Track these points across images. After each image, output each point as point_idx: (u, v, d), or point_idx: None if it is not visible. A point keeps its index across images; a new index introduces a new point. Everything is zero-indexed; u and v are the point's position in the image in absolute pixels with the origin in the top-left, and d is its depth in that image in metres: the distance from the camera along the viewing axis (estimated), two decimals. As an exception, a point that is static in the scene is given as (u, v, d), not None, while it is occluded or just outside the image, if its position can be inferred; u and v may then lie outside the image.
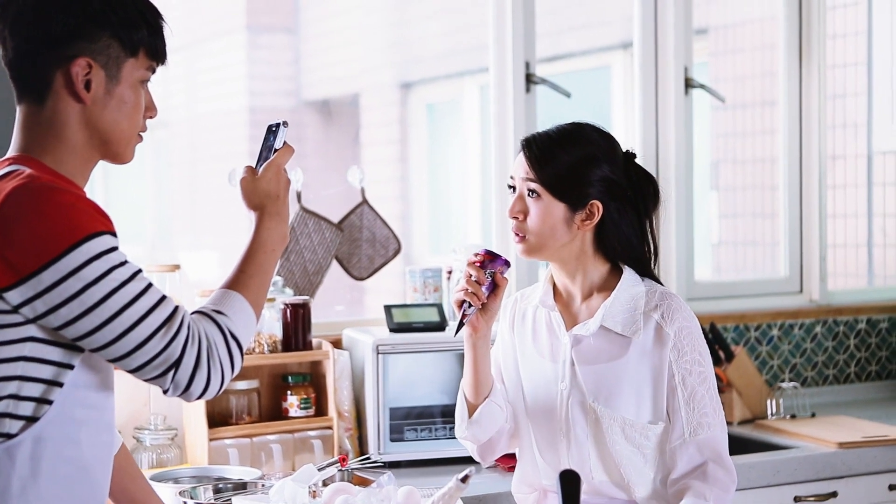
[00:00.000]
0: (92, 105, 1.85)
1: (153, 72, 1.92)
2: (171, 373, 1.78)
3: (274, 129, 2.01)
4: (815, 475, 3.21)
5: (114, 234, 1.77)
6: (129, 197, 4.86)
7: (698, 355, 2.32)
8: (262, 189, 1.97)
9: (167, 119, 4.99)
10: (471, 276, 2.35)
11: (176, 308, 1.80)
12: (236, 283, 1.89)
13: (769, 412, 3.65)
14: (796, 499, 3.19)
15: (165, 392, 1.81)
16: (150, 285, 1.78)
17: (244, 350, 1.86)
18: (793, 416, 3.64)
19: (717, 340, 3.66)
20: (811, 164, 4.07)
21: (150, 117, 1.94)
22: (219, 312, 1.84)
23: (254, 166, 2.00)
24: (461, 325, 2.37)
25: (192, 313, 1.83)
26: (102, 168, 5.02)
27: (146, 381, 1.80)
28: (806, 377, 4.01)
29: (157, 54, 1.91)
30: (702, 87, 3.88)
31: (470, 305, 2.35)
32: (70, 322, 1.73)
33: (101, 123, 1.87)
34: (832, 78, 4.24)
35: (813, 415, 3.66)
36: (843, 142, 4.41)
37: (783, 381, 3.91)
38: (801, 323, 4.02)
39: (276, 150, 2.00)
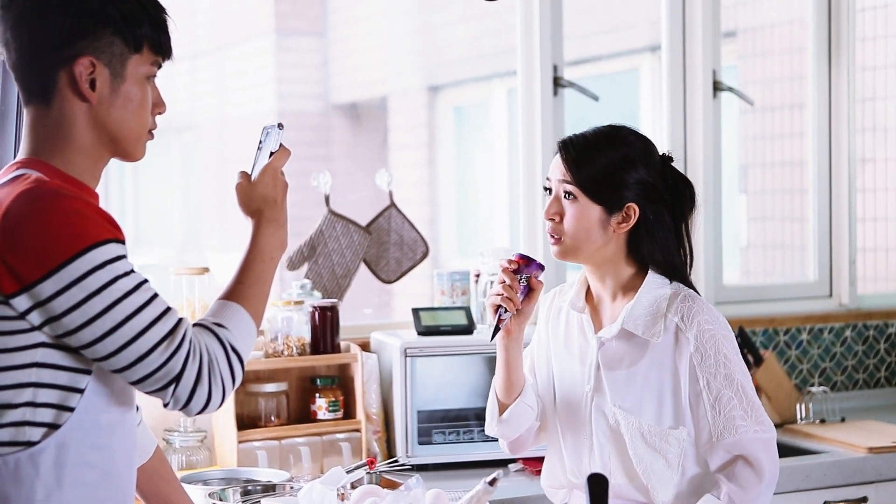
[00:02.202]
0: (98, 104, 1.83)
1: (159, 67, 1.89)
2: (172, 387, 1.75)
3: (270, 131, 1.97)
4: (845, 480, 3.19)
5: (121, 242, 1.74)
6: (158, 200, 4.89)
7: (723, 357, 2.29)
8: (259, 194, 1.93)
9: (195, 122, 5.01)
10: (505, 281, 2.34)
11: (179, 321, 1.77)
12: (235, 293, 1.85)
13: (798, 416, 3.63)
14: (826, 504, 3.17)
15: (166, 406, 1.78)
16: (154, 296, 1.76)
17: (245, 363, 1.83)
18: (822, 421, 3.62)
19: (746, 344, 3.65)
20: (840, 168, 4.05)
21: (159, 113, 1.91)
22: (219, 325, 1.81)
23: (249, 171, 1.96)
24: (497, 329, 2.37)
25: (193, 325, 1.80)
26: (132, 171, 5.06)
27: (146, 393, 1.77)
28: (835, 381, 3.99)
29: (162, 49, 1.88)
30: (730, 90, 3.86)
31: (506, 311, 2.35)
32: (72, 332, 1.71)
33: (109, 122, 1.84)
34: (861, 81, 4.22)
35: (843, 419, 3.64)
36: (873, 145, 4.38)
37: (812, 385, 3.89)
38: (830, 327, 4.00)
39: (272, 154, 1.95)
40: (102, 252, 1.71)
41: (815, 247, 4.07)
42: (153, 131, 1.91)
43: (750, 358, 3.62)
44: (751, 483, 2.26)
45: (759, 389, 3.58)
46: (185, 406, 1.78)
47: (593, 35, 4.73)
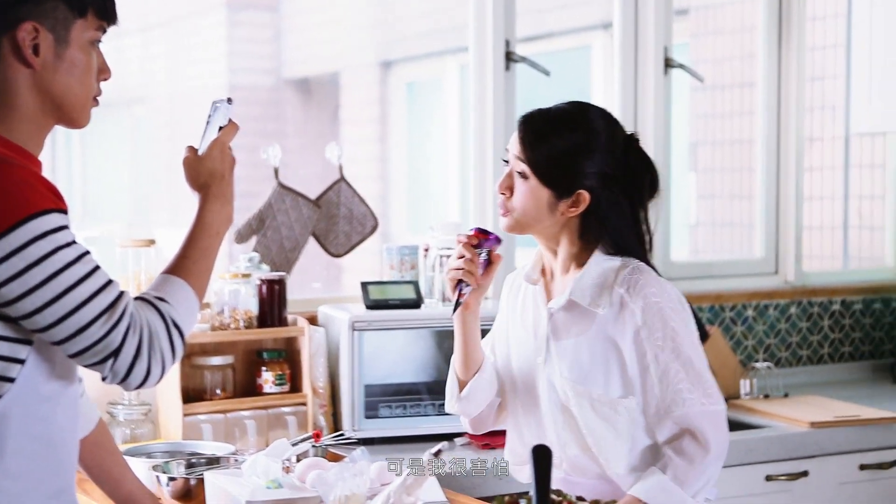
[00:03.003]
0: (42, 70, 1.80)
1: (104, 32, 1.86)
2: (111, 361, 1.73)
3: (219, 105, 1.95)
4: (787, 454, 3.23)
5: (63, 212, 1.72)
6: (107, 174, 4.84)
7: (671, 331, 2.26)
8: (206, 168, 1.91)
9: (146, 95, 4.97)
10: (465, 255, 2.34)
11: (120, 294, 1.75)
12: (179, 268, 1.84)
13: (743, 392, 3.66)
14: (768, 477, 3.20)
15: (104, 379, 1.76)
16: (96, 268, 1.74)
17: (186, 338, 1.81)
18: (766, 396, 3.66)
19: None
20: (788, 146, 4.08)
21: (105, 79, 1.88)
22: (161, 300, 1.79)
23: (198, 145, 1.94)
24: (458, 304, 2.36)
25: (135, 299, 1.78)
26: (80, 144, 5.00)
27: (85, 366, 1.76)
28: (780, 357, 4.03)
29: (107, 14, 1.85)
30: (681, 67, 3.88)
31: (467, 285, 2.35)
32: (11, 302, 1.69)
33: (53, 88, 1.82)
34: (811, 60, 4.25)
35: (786, 395, 3.68)
36: (821, 124, 4.42)
37: (757, 361, 3.92)
38: (776, 304, 4.04)
39: (221, 128, 1.94)
40: (44, 222, 1.69)
41: (762, 224, 4.10)
42: (98, 98, 1.89)
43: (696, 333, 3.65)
44: (697, 456, 2.25)
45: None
46: (123, 380, 1.76)
47: (546, 11, 4.73)
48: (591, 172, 2.28)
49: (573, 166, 2.28)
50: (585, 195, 2.29)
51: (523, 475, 2.50)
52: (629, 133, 2.37)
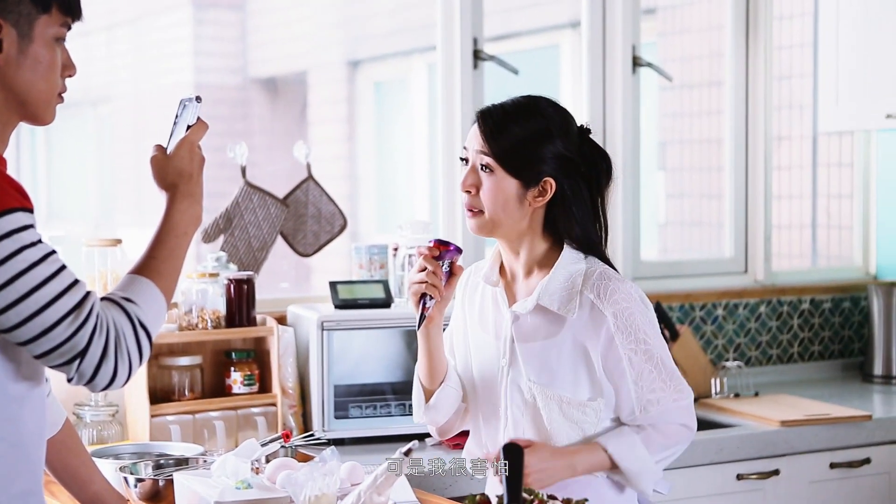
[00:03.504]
0: (5, 66, 1.78)
1: (68, 28, 1.84)
2: (77, 362, 1.71)
3: (187, 104, 1.93)
4: (758, 453, 3.23)
5: (29, 211, 1.70)
6: (72, 174, 4.79)
7: (643, 334, 2.29)
8: (174, 167, 1.89)
9: (111, 94, 4.92)
10: (427, 268, 2.32)
11: (87, 295, 1.73)
12: (146, 268, 1.81)
13: (713, 391, 3.67)
14: (739, 476, 3.21)
15: (70, 381, 1.74)
16: (62, 268, 1.71)
17: (153, 340, 1.79)
18: (736, 395, 3.67)
19: (663, 319, 3.67)
20: (756, 145, 4.09)
21: (69, 76, 1.86)
22: (128, 300, 1.77)
23: (165, 144, 1.92)
24: (423, 318, 2.34)
25: (101, 300, 1.75)
26: (45, 144, 4.93)
27: (51, 367, 1.73)
28: (750, 356, 4.04)
29: (71, 10, 1.83)
30: (649, 65, 3.88)
31: (430, 298, 2.33)
32: None
33: (17, 84, 1.79)
34: (778, 59, 4.26)
35: (756, 394, 3.69)
36: (789, 123, 4.44)
37: (727, 360, 3.93)
38: (745, 303, 4.05)
39: (189, 127, 1.91)
40: (8, 221, 1.67)
41: (731, 223, 4.12)
42: (63, 94, 1.87)
43: (666, 333, 3.65)
44: (673, 435, 2.31)
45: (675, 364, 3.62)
46: (89, 381, 1.73)
47: (514, 10, 4.72)
48: (552, 158, 2.30)
49: (536, 152, 2.29)
50: (551, 182, 2.30)
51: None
52: (581, 124, 2.39)
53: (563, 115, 2.36)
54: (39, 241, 1.70)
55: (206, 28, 5.23)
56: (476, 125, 2.34)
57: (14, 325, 1.68)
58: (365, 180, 5.06)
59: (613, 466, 2.30)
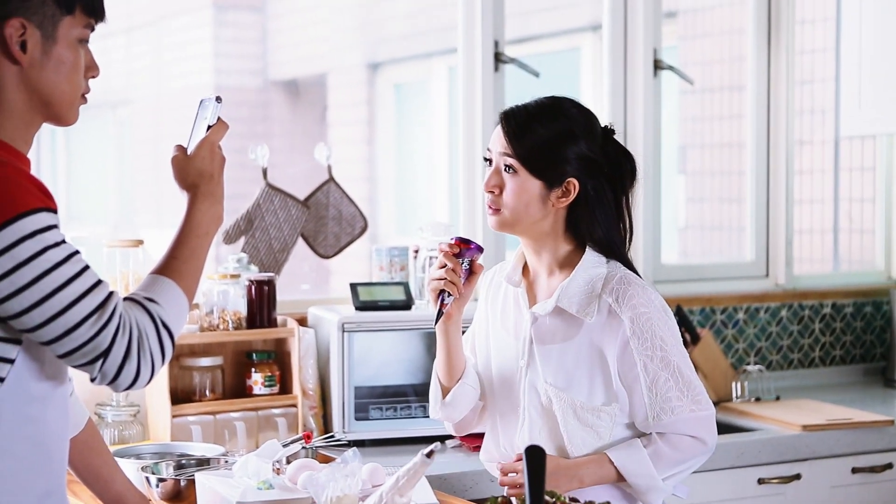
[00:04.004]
0: (29, 67, 1.78)
1: (92, 29, 1.85)
2: (100, 362, 1.70)
3: (207, 103, 1.93)
4: (779, 457, 3.22)
5: (53, 212, 1.70)
6: (92, 176, 4.81)
7: (659, 340, 2.27)
8: (195, 168, 1.89)
9: (131, 97, 4.94)
10: (447, 265, 2.32)
11: (110, 295, 1.72)
12: (168, 268, 1.81)
13: (734, 395, 3.65)
14: (760, 480, 3.19)
15: (93, 380, 1.74)
16: (85, 268, 1.71)
17: (175, 339, 1.79)
18: (757, 399, 3.65)
19: (684, 323, 3.66)
20: (778, 150, 4.07)
21: (93, 77, 1.86)
22: (151, 300, 1.77)
23: (186, 144, 1.92)
24: (440, 314, 2.34)
25: (124, 300, 1.75)
26: (65, 146, 4.95)
27: (74, 367, 1.74)
28: (771, 361, 4.03)
29: (95, 11, 1.84)
30: (671, 69, 3.87)
31: (449, 295, 2.33)
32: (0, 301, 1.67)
33: (41, 85, 1.80)
34: (800, 63, 4.24)
35: (777, 398, 3.67)
36: (811, 127, 4.42)
37: (748, 364, 3.91)
38: (766, 307, 4.03)
39: (209, 127, 1.91)
40: (33, 221, 1.67)
41: (752, 228, 4.10)
42: (87, 95, 1.87)
43: (687, 336, 3.64)
44: (687, 449, 2.28)
45: (695, 368, 3.60)
46: (112, 381, 1.73)
47: (535, 13, 4.72)
48: (576, 158, 2.30)
49: (560, 153, 2.29)
50: (575, 182, 2.30)
51: (496, 473, 2.49)
52: (605, 125, 2.39)
53: (587, 116, 2.35)
54: (63, 242, 1.71)
55: (226, 30, 5.25)
56: (499, 126, 2.33)
57: (37, 325, 1.68)
58: (384, 182, 5.06)
59: (621, 479, 2.29)
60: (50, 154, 4.70)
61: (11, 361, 1.72)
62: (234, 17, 5.28)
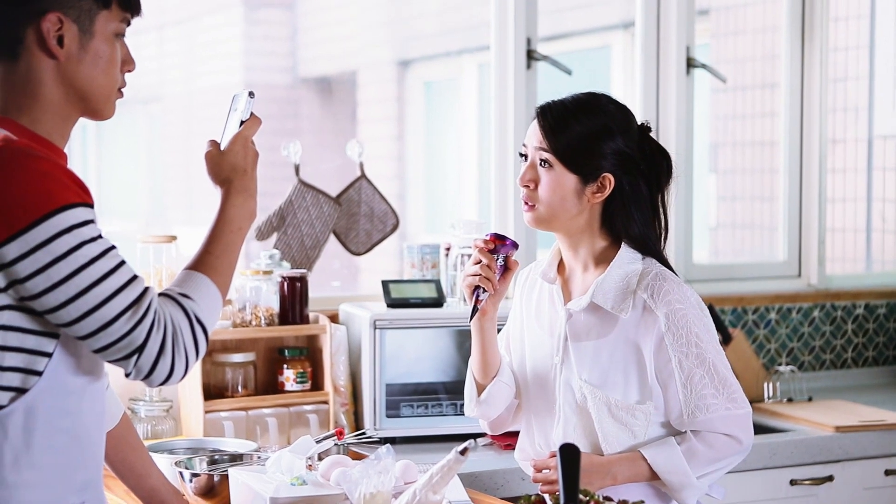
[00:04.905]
0: (66, 61, 1.79)
1: (128, 24, 1.86)
2: (135, 357, 1.71)
3: (240, 98, 1.92)
4: (812, 459, 3.20)
5: (90, 206, 1.71)
6: (124, 172, 4.83)
7: (695, 337, 2.27)
8: (228, 163, 1.89)
9: (162, 93, 4.95)
10: (482, 261, 2.32)
11: (145, 290, 1.73)
12: (202, 263, 1.82)
13: (766, 395, 3.63)
14: (792, 482, 3.17)
15: (128, 375, 1.74)
16: (121, 263, 1.72)
17: (209, 335, 1.80)
18: (790, 400, 3.63)
19: (715, 322, 3.63)
20: (811, 148, 4.05)
21: (129, 71, 1.87)
22: (185, 296, 1.77)
23: (219, 140, 1.93)
24: (475, 310, 2.34)
25: (158, 295, 1.76)
26: (96, 142, 4.97)
27: (109, 362, 1.74)
28: (803, 361, 4.00)
29: (131, 5, 1.85)
30: (703, 67, 3.85)
31: (484, 291, 2.32)
32: (36, 296, 1.67)
33: (78, 80, 1.80)
34: (834, 61, 4.22)
35: (810, 399, 3.65)
36: (844, 126, 4.39)
37: (780, 364, 3.89)
38: (798, 307, 4.00)
39: (242, 122, 1.91)
40: (70, 216, 1.68)
41: (784, 227, 4.08)
42: (123, 89, 1.88)
43: (719, 336, 3.62)
44: (723, 448, 2.26)
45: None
46: (147, 377, 1.74)
47: (567, 11, 4.71)
48: (612, 154, 2.29)
49: (596, 149, 2.28)
50: (610, 178, 2.29)
51: (530, 471, 2.48)
52: (641, 122, 2.38)
53: (624, 113, 2.35)
54: (100, 237, 1.71)
55: (256, 28, 5.26)
56: (535, 121, 2.33)
57: (74, 320, 1.69)
58: (414, 180, 5.06)
59: (655, 477, 2.28)
60: (81, 149, 4.72)
61: (49, 355, 1.73)
62: (264, 15, 5.29)
